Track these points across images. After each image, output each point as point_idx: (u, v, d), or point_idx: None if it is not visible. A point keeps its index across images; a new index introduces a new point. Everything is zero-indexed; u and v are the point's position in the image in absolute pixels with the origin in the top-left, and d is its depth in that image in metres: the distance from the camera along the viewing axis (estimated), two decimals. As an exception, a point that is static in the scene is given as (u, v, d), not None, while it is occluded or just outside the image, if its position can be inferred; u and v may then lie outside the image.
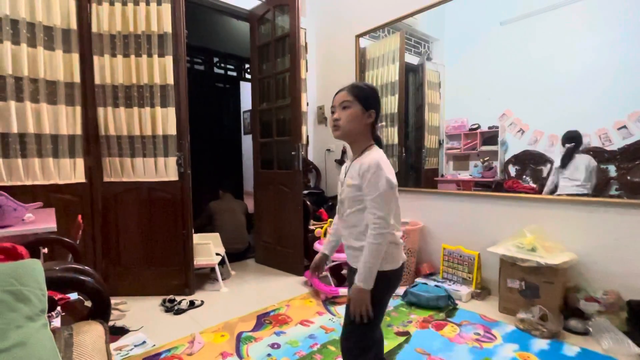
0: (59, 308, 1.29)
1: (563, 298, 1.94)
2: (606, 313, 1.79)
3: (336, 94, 1.12)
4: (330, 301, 2.26)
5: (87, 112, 2.27)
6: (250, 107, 3.48)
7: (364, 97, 1.08)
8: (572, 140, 2.07)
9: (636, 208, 1.82)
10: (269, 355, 1.66)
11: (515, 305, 2.01)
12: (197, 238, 2.63)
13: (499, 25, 2.39)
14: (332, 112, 1.12)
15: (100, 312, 1.01)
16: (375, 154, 1.06)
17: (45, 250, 1.66)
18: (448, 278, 2.49)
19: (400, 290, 2.34)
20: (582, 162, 2.04)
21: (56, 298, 1.32)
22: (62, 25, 2.13)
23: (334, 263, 2.36)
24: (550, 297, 1.90)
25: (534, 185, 2.25)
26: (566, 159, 2.09)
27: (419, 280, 2.48)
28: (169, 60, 2.31)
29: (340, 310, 2.15)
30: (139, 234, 2.41)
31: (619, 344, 1.63)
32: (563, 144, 2.11)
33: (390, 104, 3.03)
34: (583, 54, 2.04)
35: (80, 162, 2.26)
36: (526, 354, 1.64)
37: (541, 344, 1.73)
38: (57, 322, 1.26)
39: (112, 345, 1.76)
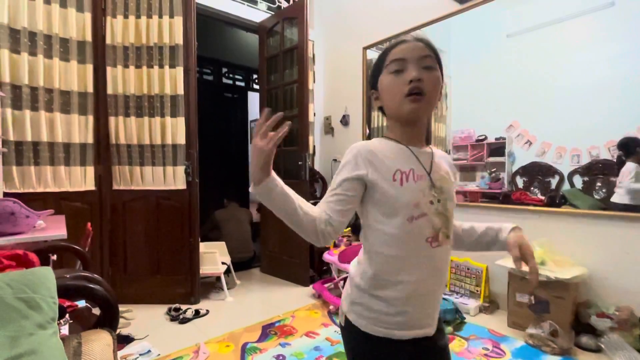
0: (67, 315, 1.30)
1: (574, 313, 1.89)
2: (619, 330, 1.74)
3: (402, 42, 0.69)
4: (336, 313, 2.24)
5: (99, 121, 2.32)
6: (257, 117, 3.53)
7: (441, 65, 0.71)
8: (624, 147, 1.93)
9: (648, 222, 1.79)
10: (274, 367, 1.64)
11: (525, 320, 1.97)
12: (203, 247, 2.64)
13: (505, 37, 2.41)
14: (399, 70, 0.67)
15: (109, 320, 1.02)
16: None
17: (55, 257, 1.68)
18: (455, 291, 2.46)
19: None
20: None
21: (65, 306, 1.33)
22: (78, 37, 2.20)
23: (343, 276, 2.34)
24: (560, 312, 1.86)
25: (542, 197, 2.23)
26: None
27: (425, 292, 2.45)
28: (179, 71, 2.36)
29: (346, 322, 2.12)
30: (146, 242, 2.43)
31: (632, 363, 1.59)
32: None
33: (396, 114, 3.04)
34: (591, 66, 2.04)
35: (90, 170, 2.30)
36: (536, 371, 1.60)
37: (552, 360, 1.69)
38: (65, 330, 1.27)
39: (118, 354, 1.76)
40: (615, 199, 1.96)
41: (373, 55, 3.20)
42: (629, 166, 1.90)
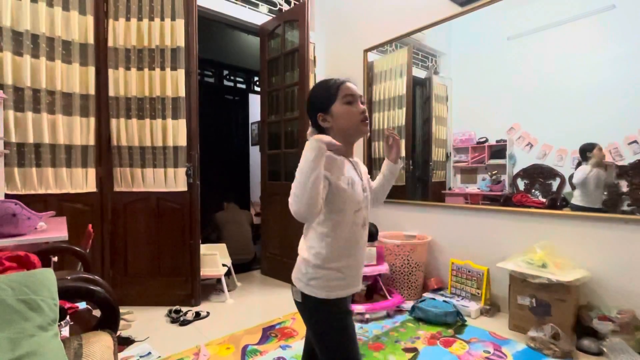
0: (68, 317, 1.30)
1: (575, 316, 1.89)
2: (621, 333, 1.73)
3: (344, 82, 0.95)
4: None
5: (101, 123, 2.33)
6: (258, 119, 3.53)
7: None
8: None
9: (650, 225, 1.79)
10: (274, 369, 1.64)
11: (526, 322, 1.96)
12: (203, 248, 2.64)
13: (506, 40, 2.41)
14: (350, 102, 0.93)
15: (109, 322, 1.02)
16: None
17: (55, 258, 1.68)
18: (456, 293, 2.45)
19: (408, 305, 2.31)
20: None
21: (65, 307, 1.33)
22: (80, 39, 2.21)
23: None
24: (562, 315, 1.86)
25: (544, 200, 2.23)
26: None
27: (426, 295, 2.45)
28: (181, 73, 2.37)
29: (347, 324, 2.12)
30: (146, 243, 2.43)
31: (635, 366, 1.58)
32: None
33: (397, 117, 3.05)
34: (592, 69, 2.05)
35: (92, 172, 2.30)
36: (538, 374, 1.59)
37: (553, 363, 1.68)
38: (65, 331, 1.27)
39: (119, 356, 1.75)
40: (573, 201, 2.11)
41: (374, 57, 3.21)
42: (581, 169, 2.07)
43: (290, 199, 0.80)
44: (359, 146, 3.27)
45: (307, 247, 0.94)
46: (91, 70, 2.26)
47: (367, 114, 0.95)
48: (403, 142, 3.02)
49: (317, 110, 0.95)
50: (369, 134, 1.04)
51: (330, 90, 0.94)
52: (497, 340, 1.91)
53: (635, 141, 1.87)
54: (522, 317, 2.00)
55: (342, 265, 0.92)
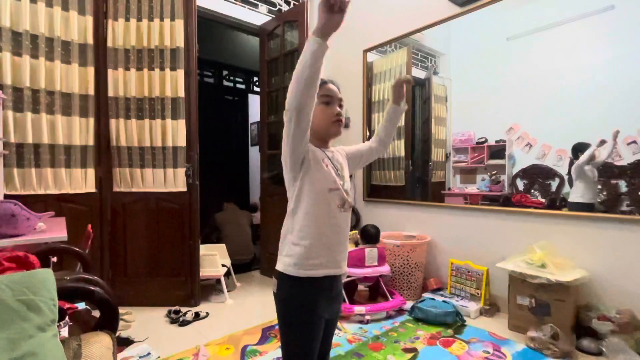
0: (67, 318, 1.30)
1: (575, 316, 1.89)
2: (620, 333, 1.73)
3: (327, 83, 1.00)
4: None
5: (100, 124, 2.32)
6: (257, 119, 3.53)
7: None
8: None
9: (649, 225, 1.79)
10: (273, 369, 1.64)
11: (526, 323, 1.96)
12: (203, 249, 2.64)
13: (505, 40, 2.41)
14: (328, 103, 0.99)
15: (109, 323, 1.02)
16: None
17: (55, 259, 1.68)
18: (456, 293, 2.45)
19: (408, 305, 2.31)
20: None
21: (65, 308, 1.33)
22: (79, 40, 2.21)
23: (349, 279, 2.33)
24: (561, 315, 1.86)
25: (543, 200, 2.23)
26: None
27: (426, 295, 2.45)
28: (180, 73, 2.37)
29: (347, 325, 2.12)
30: (146, 244, 2.43)
31: (634, 366, 1.58)
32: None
33: (397, 117, 3.05)
34: (591, 69, 2.05)
35: (91, 172, 2.30)
36: (537, 374, 1.59)
37: (553, 364, 1.68)
38: (64, 332, 1.27)
39: (118, 356, 1.75)
40: (572, 199, 2.11)
41: (373, 57, 3.21)
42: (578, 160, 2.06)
43: (287, 95, 0.87)
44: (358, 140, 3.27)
45: (286, 226, 0.98)
46: (90, 70, 2.26)
47: (342, 117, 1.00)
48: (402, 143, 3.02)
49: None
50: (340, 134, 1.05)
51: None
52: (497, 341, 1.91)
53: (634, 141, 1.88)
54: (522, 317, 2.01)
55: (315, 245, 0.91)
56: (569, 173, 2.14)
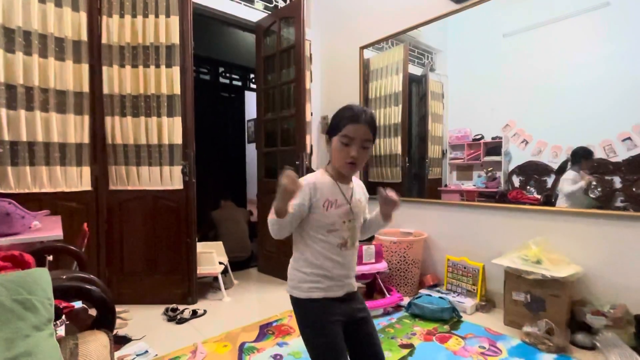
0: (63, 317, 1.29)
1: (569, 312, 1.91)
2: (614, 327, 1.76)
3: (354, 122, 0.96)
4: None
5: (95, 121, 2.31)
6: (254, 117, 3.52)
7: (376, 135, 1.03)
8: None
9: (642, 221, 1.81)
10: (271, 366, 1.64)
11: (521, 318, 1.98)
12: (200, 247, 2.64)
13: (501, 37, 2.42)
14: (346, 144, 0.97)
15: (105, 321, 1.01)
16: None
17: (51, 257, 1.67)
18: (452, 290, 2.47)
19: (404, 301, 2.33)
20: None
21: (61, 306, 1.33)
22: (73, 36, 2.18)
23: None
24: (556, 310, 1.88)
25: (539, 196, 2.25)
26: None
27: (422, 291, 2.46)
28: (176, 70, 2.36)
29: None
30: (142, 242, 2.42)
31: (627, 360, 1.61)
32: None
33: (393, 114, 3.05)
34: (586, 66, 2.06)
35: (86, 171, 2.28)
36: (532, 369, 1.61)
37: (547, 358, 1.70)
38: (61, 331, 1.26)
39: (115, 355, 1.75)
40: (559, 204, 2.15)
41: (370, 54, 3.20)
42: (570, 174, 2.10)
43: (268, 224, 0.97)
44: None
45: (293, 250, 1.08)
46: (85, 67, 2.24)
47: (357, 160, 0.98)
48: (399, 140, 3.03)
49: (328, 131, 1.05)
50: (351, 175, 1.08)
51: (339, 122, 1.00)
52: (492, 336, 1.93)
53: (628, 138, 1.89)
54: (517, 312, 2.03)
55: (314, 273, 1.01)
56: (557, 172, 2.16)
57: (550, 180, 2.21)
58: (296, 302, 1.04)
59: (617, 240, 1.88)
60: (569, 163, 2.11)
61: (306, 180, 1.01)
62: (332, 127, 1.02)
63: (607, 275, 1.91)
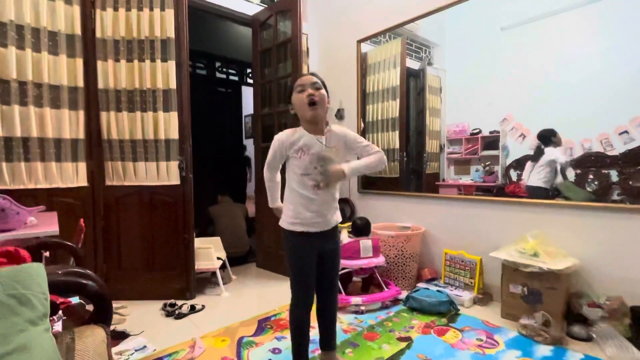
0: (60, 312, 1.29)
1: (566, 304, 1.92)
2: (609, 319, 1.77)
3: (300, 77, 1.31)
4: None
5: (90, 117, 2.29)
6: (251, 112, 3.50)
7: (325, 86, 1.32)
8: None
9: (639, 213, 1.81)
10: (270, 360, 1.65)
11: (518, 310, 2.00)
12: (198, 242, 2.63)
13: (499, 30, 2.40)
14: (301, 91, 1.27)
15: (102, 316, 1.01)
16: (336, 126, 1.41)
17: (47, 253, 1.66)
18: (450, 283, 2.48)
19: (402, 295, 2.34)
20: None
21: (58, 302, 1.32)
22: (67, 30, 2.16)
23: (345, 271, 2.34)
24: (553, 302, 1.89)
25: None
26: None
27: (420, 285, 2.47)
28: (171, 65, 2.33)
29: (342, 316, 2.14)
30: (140, 238, 2.41)
31: (622, 351, 1.62)
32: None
33: (391, 108, 3.04)
34: (584, 59, 2.05)
35: (82, 166, 2.27)
36: (529, 361, 1.63)
37: (544, 350, 1.72)
38: (58, 326, 1.26)
39: (113, 350, 1.75)
40: (531, 182, 2.27)
41: (367, 48, 3.18)
42: (549, 150, 2.20)
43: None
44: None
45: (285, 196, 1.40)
46: (79, 61, 2.21)
47: (314, 97, 1.25)
48: (397, 134, 3.02)
49: (289, 99, 1.36)
50: (316, 116, 1.29)
51: (291, 86, 1.34)
52: (490, 329, 1.95)
53: (625, 131, 1.89)
54: (514, 305, 2.04)
55: (295, 210, 1.32)
56: (534, 159, 2.24)
57: (547, 174, 2.21)
58: (284, 232, 1.36)
59: (614, 233, 1.89)
60: (542, 146, 2.23)
61: (276, 137, 1.34)
62: (289, 94, 1.35)
63: (603, 268, 1.92)
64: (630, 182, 1.88)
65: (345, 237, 2.64)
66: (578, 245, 2.00)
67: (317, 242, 1.33)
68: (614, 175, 1.94)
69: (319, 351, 1.60)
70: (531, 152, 2.27)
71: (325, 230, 1.34)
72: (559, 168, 2.15)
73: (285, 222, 1.34)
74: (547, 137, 2.19)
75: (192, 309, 2.22)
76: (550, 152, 2.18)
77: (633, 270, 1.83)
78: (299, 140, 1.28)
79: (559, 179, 2.15)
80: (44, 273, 0.88)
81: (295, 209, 1.30)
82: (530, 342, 1.79)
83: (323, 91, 1.28)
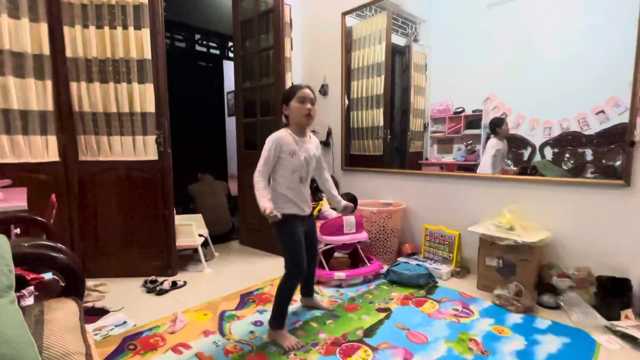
0: (31, 287, 1.25)
1: (538, 275, 2.01)
2: (577, 288, 1.87)
3: (302, 88, 1.56)
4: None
5: (59, 87, 2.15)
6: (233, 88, 3.38)
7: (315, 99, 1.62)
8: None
9: (608, 189, 1.88)
10: (251, 332, 1.67)
11: (493, 282, 2.08)
12: (179, 219, 2.59)
13: (486, 7, 2.37)
14: (302, 102, 1.55)
15: (74, 289, 0.98)
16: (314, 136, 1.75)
17: (18, 230, 1.59)
18: (429, 257, 2.55)
19: (384, 269, 2.39)
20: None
21: (29, 278, 1.28)
22: (28, -9, 1.98)
23: (327, 247, 2.36)
24: (525, 274, 1.98)
25: (515, 168, 2.30)
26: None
27: (400, 259, 2.53)
28: (145, 33, 2.20)
29: (324, 289, 2.17)
30: (118, 214, 2.35)
31: (587, 317, 1.72)
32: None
33: (376, 85, 3.00)
34: (566, 39, 2.06)
35: (53, 140, 2.15)
36: (500, 328, 1.71)
37: (515, 318, 1.80)
38: (30, 301, 1.22)
39: (92, 326, 1.73)
40: (480, 170, 2.43)
41: (352, 22, 3.09)
42: (492, 142, 2.38)
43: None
44: (337, 108, 3.23)
45: (271, 184, 1.63)
46: (43, 26, 2.05)
47: (312, 112, 1.56)
48: (381, 112, 2.99)
49: (283, 102, 1.61)
50: (310, 124, 1.63)
51: (292, 90, 1.58)
52: (466, 299, 2.02)
53: (602, 111, 1.93)
54: (490, 277, 2.12)
55: (285, 199, 1.59)
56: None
57: (527, 153, 2.26)
58: (285, 217, 1.56)
59: (584, 208, 1.97)
60: (490, 134, 2.37)
61: (272, 139, 1.56)
62: (288, 96, 1.58)
63: (574, 241, 2.01)
64: (604, 161, 1.94)
65: (330, 212, 2.65)
66: (551, 219, 2.07)
67: (305, 222, 1.67)
68: (589, 155, 1.99)
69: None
70: (512, 132, 2.30)
71: (309, 214, 1.71)
72: (500, 156, 2.32)
73: (282, 210, 1.57)
74: (494, 127, 2.36)
75: (174, 285, 2.21)
76: (491, 144, 2.37)
77: (601, 243, 1.92)
78: (289, 144, 1.56)
79: (537, 157, 2.20)
80: (8, 245, 0.84)
81: (283, 195, 1.59)
82: (503, 311, 1.88)
83: (316, 107, 1.61)
